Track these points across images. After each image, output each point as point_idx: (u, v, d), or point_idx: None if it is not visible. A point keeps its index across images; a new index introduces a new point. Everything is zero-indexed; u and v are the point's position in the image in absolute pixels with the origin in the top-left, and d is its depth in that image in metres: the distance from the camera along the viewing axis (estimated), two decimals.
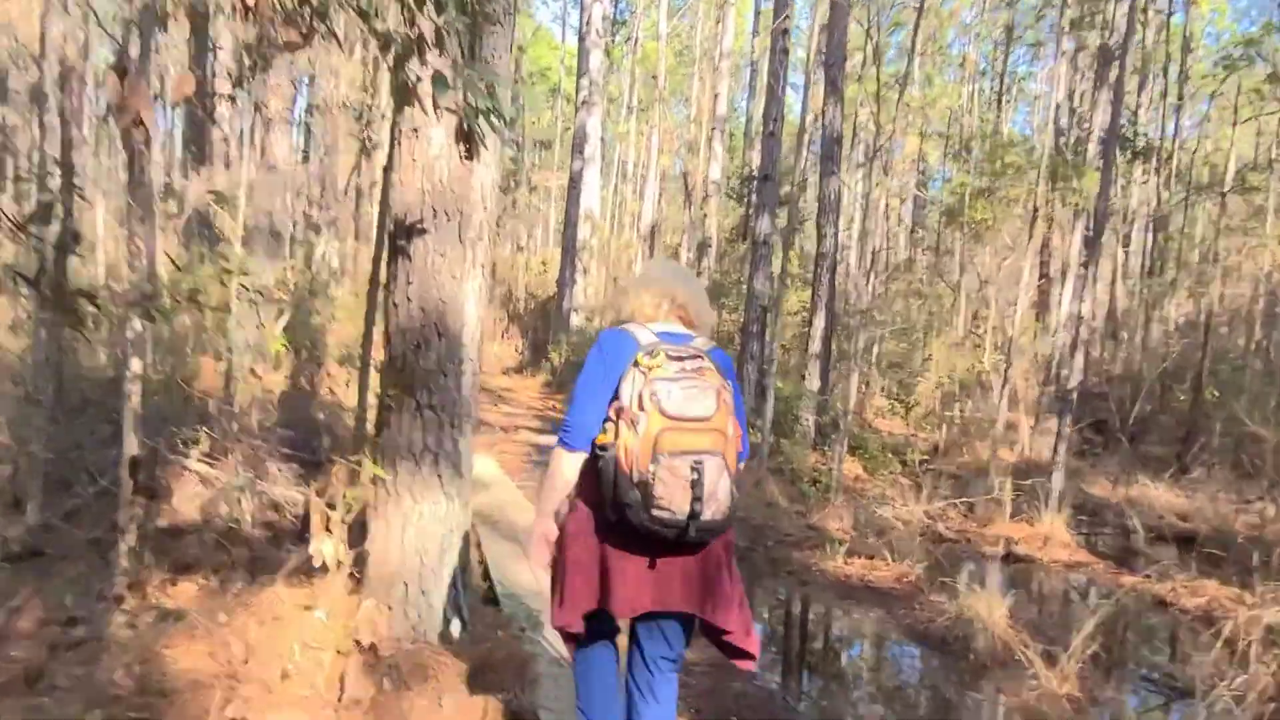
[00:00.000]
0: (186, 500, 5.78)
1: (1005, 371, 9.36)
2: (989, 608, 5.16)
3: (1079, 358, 8.34)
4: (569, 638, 2.47)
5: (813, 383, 10.74)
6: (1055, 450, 8.11)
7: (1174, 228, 18.43)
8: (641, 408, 2.19)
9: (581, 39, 19.89)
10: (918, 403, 10.93)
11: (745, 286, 16.93)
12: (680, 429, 2.17)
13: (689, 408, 2.18)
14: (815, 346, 10.72)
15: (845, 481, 8.80)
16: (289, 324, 10.05)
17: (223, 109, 11.64)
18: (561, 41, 34.10)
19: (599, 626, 2.47)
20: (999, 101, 22.29)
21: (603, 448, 2.27)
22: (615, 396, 2.27)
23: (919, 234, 23.86)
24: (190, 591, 4.41)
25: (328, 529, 3.57)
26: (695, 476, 2.14)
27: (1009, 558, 7.27)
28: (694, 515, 2.15)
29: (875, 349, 13.32)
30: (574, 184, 18.65)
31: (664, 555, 2.28)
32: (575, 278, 18.82)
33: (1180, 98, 18.66)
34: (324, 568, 3.61)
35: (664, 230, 27.03)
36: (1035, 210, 9.35)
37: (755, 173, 20.58)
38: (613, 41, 26.81)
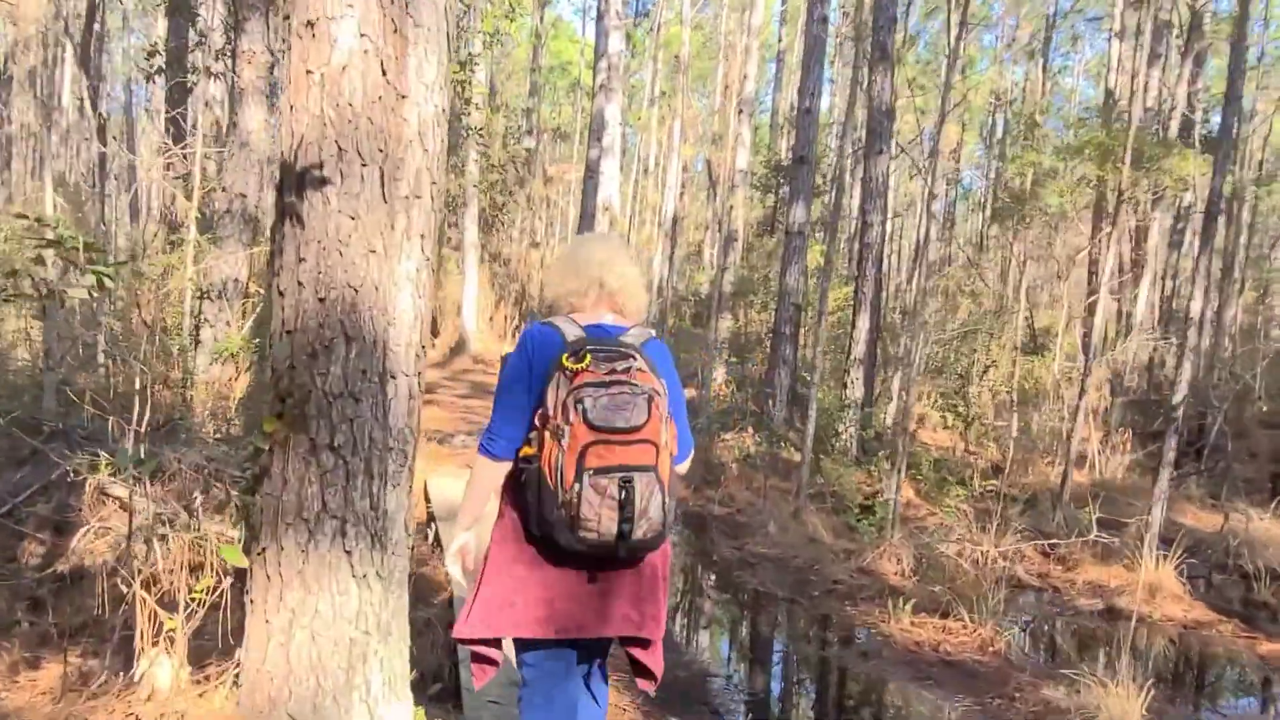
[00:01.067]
0: (98, 538, 4.52)
1: (1083, 381, 7.92)
2: (1122, 709, 3.77)
3: (1187, 367, 6.90)
4: (477, 659, 2.16)
5: (854, 391, 9.35)
6: (1156, 478, 6.68)
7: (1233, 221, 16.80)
8: (566, 419, 1.92)
9: (600, 18, 18.53)
10: (980, 414, 9.50)
11: (775, 283, 15.62)
12: (607, 442, 1.90)
13: (617, 418, 1.90)
14: (858, 350, 9.33)
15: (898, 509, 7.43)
16: (260, 319, 8.81)
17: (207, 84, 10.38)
18: (582, 35, 32.83)
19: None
20: (1042, 86, 20.69)
21: (527, 460, 2.03)
22: (541, 403, 2.00)
23: (953, 230, 22.33)
24: (47, 682, 3.13)
25: (157, 640, 2.27)
26: (624, 495, 1.89)
27: (1110, 613, 5.87)
28: (623, 536, 1.91)
29: (920, 353, 11.90)
30: (591, 174, 17.32)
31: (596, 569, 2.04)
32: None
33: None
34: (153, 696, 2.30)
35: (686, 225, 25.66)
36: (1120, 194, 7.91)
37: (785, 158, 19.15)
38: (635, 24, 25.51)
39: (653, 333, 2.16)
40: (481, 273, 18.96)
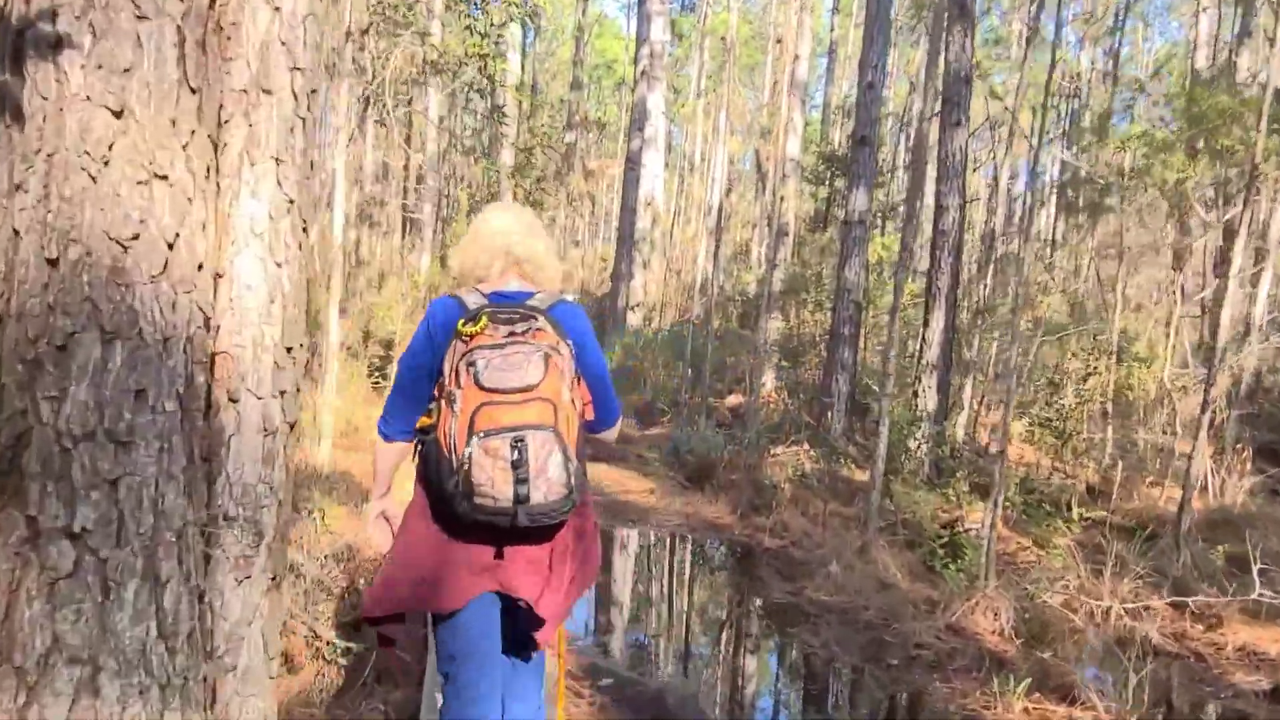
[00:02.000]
0: None
1: (1206, 390, 6.53)
2: None
3: None
4: (382, 640, 2.14)
5: (927, 401, 8.05)
6: None
7: None
8: (458, 383, 1.82)
9: (641, 2, 17.47)
10: (1078, 429, 8.11)
11: (830, 281, 14.33)
12: (498, 403, 1.79)
13: (508, 378, 1.80)
14: (931, 354, 8.03)
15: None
16: None
17: None
18: (627, 33, 31.81)
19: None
20: (1115, 61, 19.01)
21: (424, 431, 1.98)
22: (441, 373, 1.90)
23: (1026, 223, 20.67)
24: None
25: None
26: (516, 455, 1.77)
27: (1278, 694, 4.52)
28: (520, 499, 1.78)
29: (1016, 356, 10.56)
30: (632, 166, 16.23)
31: (503, 543, 1.92)
32: (633, 271, 16.40)
33: None
34: None
35: (732, 223, 24.40)
36: (1254, 168, 6.51)
37: (840, 147, 17.81)
38: (680, 13, 24.34)
39: (565, 296, 2.09)
40: None
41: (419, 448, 2.00)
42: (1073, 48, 20.53)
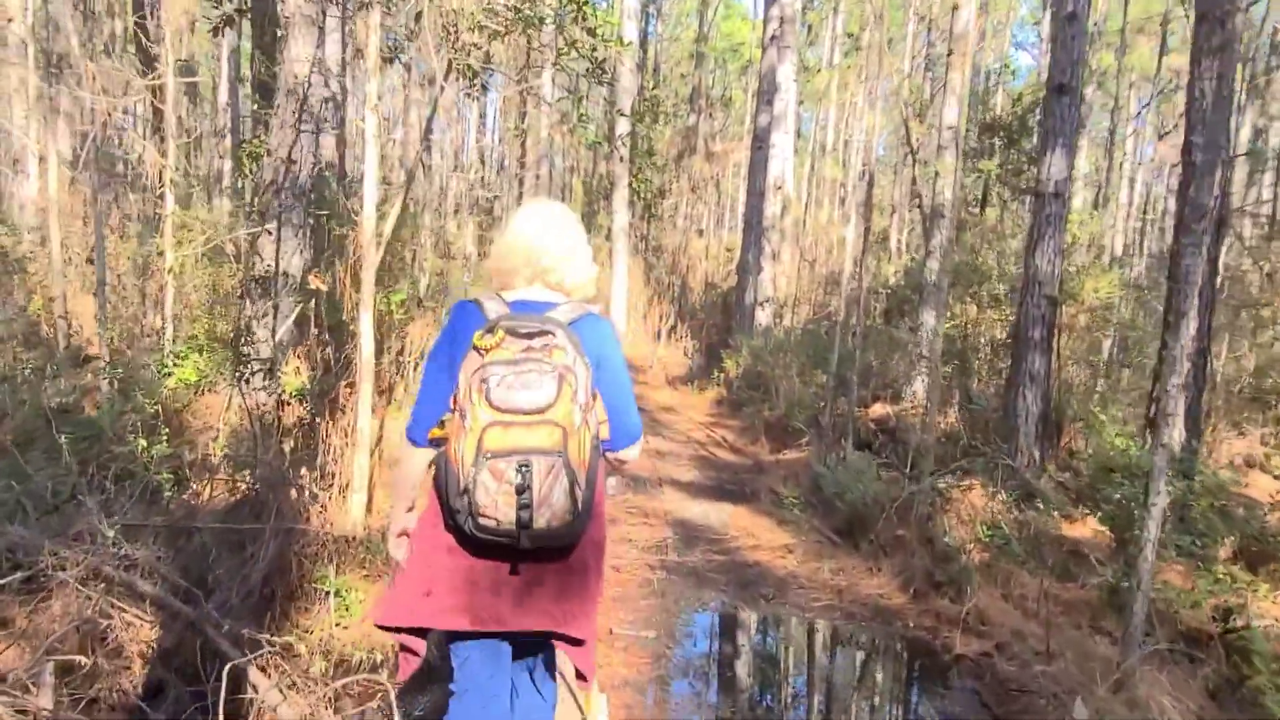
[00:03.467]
0: None
1: None
2: None
3: None
4: (403, 650, 2.01)
5: (1171, 431, 5.77)
6: None
7: None
8: (470, 399, 1.79)
9: None
10: None
11: (1003, 270, 11.90)
12: (507, 424, 1.76)
13: (519, 398, 1.76)
14: (1176, 372, 5.75)
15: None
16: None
17: None
18: (754, 17, 29.69)
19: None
20: None
21: (435, 443, 1.94)
22: (457, 383, 1.87)
23: None
24: None
25: None
26: (520, 480, 1.74)
27: None
28: (523, 524, 1.77)
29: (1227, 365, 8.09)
30: (759, 144, 14.25)
31: (517, 560, 1.89)
32: (762, 263, 14.43)
33: None
34: None
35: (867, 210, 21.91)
36: None
37: (1005, 114, 15.03)
38: None
39: (591, 309, 2.01)
40: (634, 265, 16.36)
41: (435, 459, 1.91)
42: None
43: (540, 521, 1.75)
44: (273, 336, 6.49)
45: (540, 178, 15.95)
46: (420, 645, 1.97)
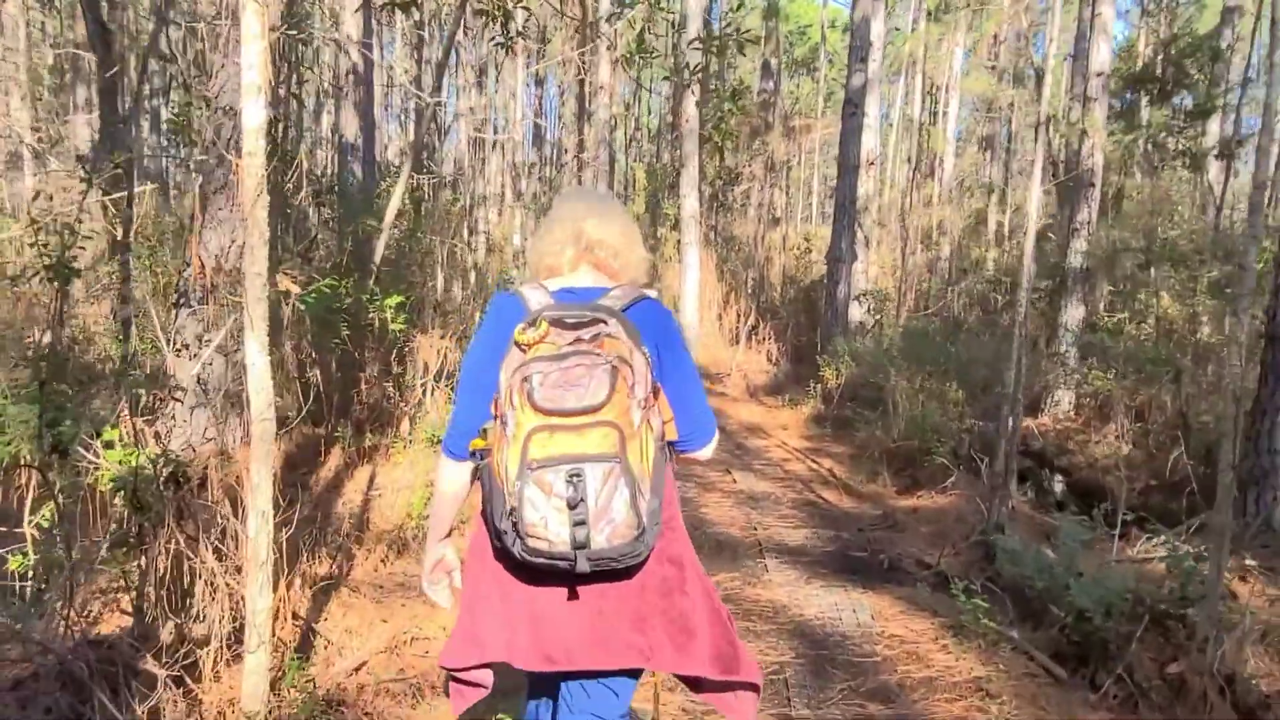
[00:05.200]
0: None
1: None
2: None
3: None
4: (456, 681, 1.74)
5: None
6: None
7: None
8: (511, 401, 1.51)
9: None
10: None
11: (1165, 248, 9.15)
12: (554, 427, 1.47)
13: (566, 397, 1.47)
14: None
15: None
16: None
17: None
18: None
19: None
20: None
21: (477, 454, 1.64)
22: (497, 386, 1.57)
23: None
24: None
25: None
26: (572, 493, 1.45)
27: None
28: (578, 544, 1.47)
29: None
30: (852, 109, 11.89)
31: (578, 583, 1.59)
32: (855, 250, 12.10)
33: None
34: None
35: (962, 189, 19.22)
36: None
37: (1143, 71, 11.98)
38: None
39: (647, 292, 1.71)
40: (707, 257, 14.16)
41: (476, 474, 1.66)
42: None
43: (599, 539, 1.46)
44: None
45: (599, 163, 13.87)
46: (483, 677, 1.72)
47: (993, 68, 18.71)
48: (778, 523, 5.94)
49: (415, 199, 8.06)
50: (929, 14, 18.66)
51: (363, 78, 10.50)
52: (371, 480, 4.84)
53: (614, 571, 1.55)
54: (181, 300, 4.70)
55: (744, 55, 4.71)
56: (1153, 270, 7.97)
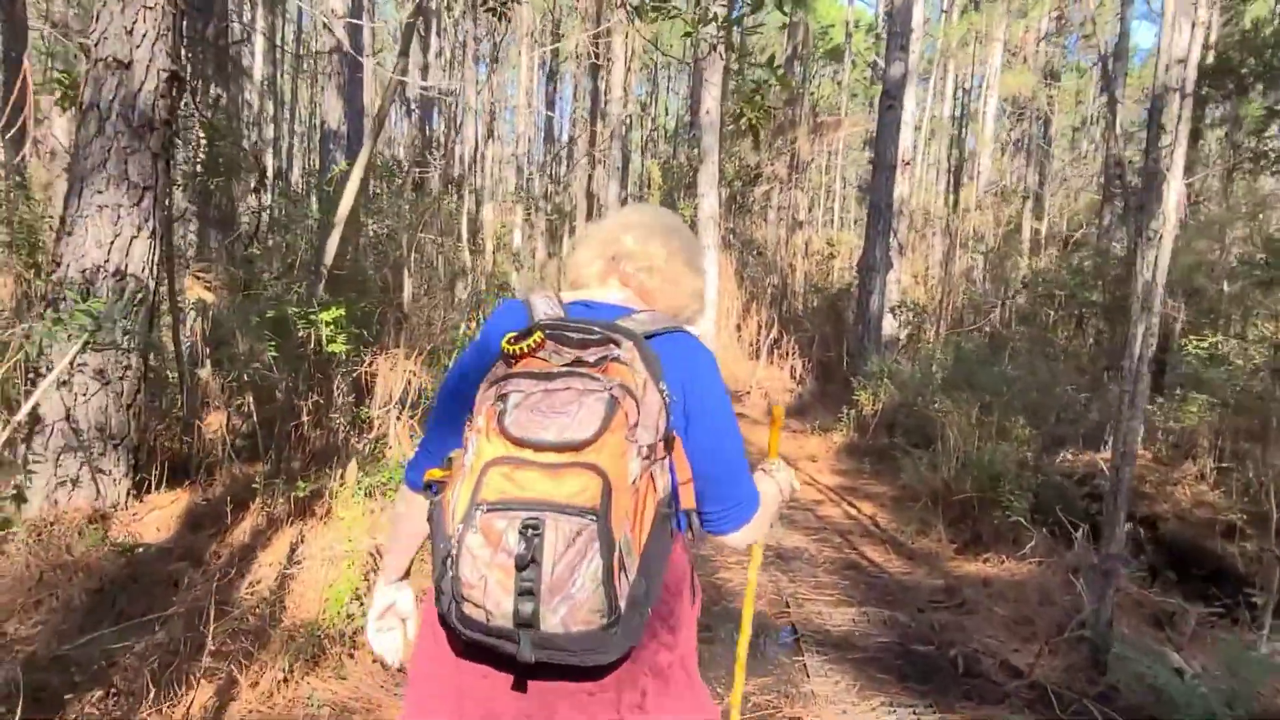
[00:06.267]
0: None
1: None
2: None
3: None
4: None
5: None
6: None
7: None
8: (477, 423, 1.18)
9: None
10: None
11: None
12: (520, 462, 1.12)
13: (543, 425, 1.12)
14: None
15: None
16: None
17: None
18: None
19: None
20: None
21: (432, 487, 1.32)
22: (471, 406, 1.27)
23: None
24: None
25: None
26: (524, 549, 1.08)
27: None
28: (524, 621, 1.09)
29: None
30: (890, 101, 10.67)
31: (525, 675, 1.21)
32: (890, 258, 10.89)
33: None
34: None
35: (1000, 195, 17.93)
36: None
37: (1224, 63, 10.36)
38: None
39: (684, 326, 1.35)
40: (725, 262, 12.99)
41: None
42: None
43: (551, 619, 1.08)
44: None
45: (610, 159, 12.74)
46: None
47: (1023, 61, 17.41)
48: (815, 594, 4.76)
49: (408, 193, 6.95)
50: (963, 9, 17.42)
51: (348, 59, 9.37)
52: (296, 546, 3.69)
53: (572, 669, 1.14)
54: (49, 311, 3.57)
55: (783, 12, 3.81)
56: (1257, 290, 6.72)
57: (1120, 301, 10.21)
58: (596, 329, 1.22)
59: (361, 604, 3.33)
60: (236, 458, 4.37)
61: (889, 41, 11.00)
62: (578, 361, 1.18)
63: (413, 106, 17.60)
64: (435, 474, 1.31)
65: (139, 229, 3.54)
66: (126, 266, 3.54)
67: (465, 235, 8.99)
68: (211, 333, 4.52)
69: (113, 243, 3.50)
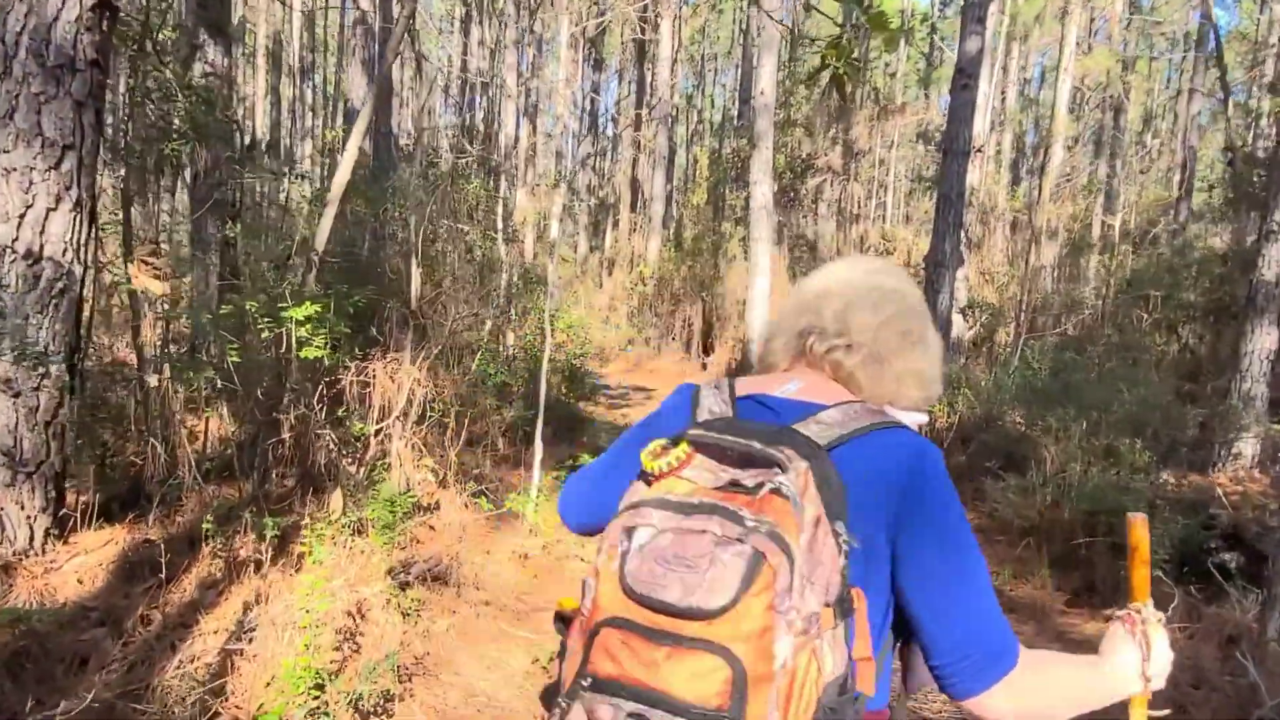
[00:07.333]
0: None
1: None
2: None
3: None
4: None
5: None
6: None
7: None
8: (598, 562, 0.90)
9: None
10: None
11: None
12: (631, 627, 0.84)
13: (665, 582, 0.83)
14: None
15: None
16: None
17: None
18: None
19: None
20: None
21: (559, 619, 1.01)
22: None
23: None
24: None
25: None
26: None
27: None
28: None
29: None
30: (964, 80, 9.61)
31: None
32: (961, 253, 9.83)
33: None
34: None
35: (1061, 192, 16.65)
36: None
37: None
38: None
39: (899, 418, 1.01)
40: (777, 258, 12.06)
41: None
42: None
43: None
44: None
45: (657, 148, 11.87)
46: None
47: (1107, 39, 16.10)
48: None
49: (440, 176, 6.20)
50: None
51: (374, 32, 8.63)
52: (250, 608, 2.89)
53: None
54: None
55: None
56: None
57: (1223, 302, 9.02)
58: (758, 443, 0.90)
59: (323, 695, 2.51)
60: (205, 482, 3.59)
61: (964, 13, 9.93)
62: (733, 485, 0.88)
63: (452, 96, 16.95)
64: (568, 604, 1.00)
65: (57, 199, 2.77)
66: (42, 247, 2.77)
67: (500, 224, 8.20)
68: (171, 332, 3.76)
69: (23, 216, 2.73)
